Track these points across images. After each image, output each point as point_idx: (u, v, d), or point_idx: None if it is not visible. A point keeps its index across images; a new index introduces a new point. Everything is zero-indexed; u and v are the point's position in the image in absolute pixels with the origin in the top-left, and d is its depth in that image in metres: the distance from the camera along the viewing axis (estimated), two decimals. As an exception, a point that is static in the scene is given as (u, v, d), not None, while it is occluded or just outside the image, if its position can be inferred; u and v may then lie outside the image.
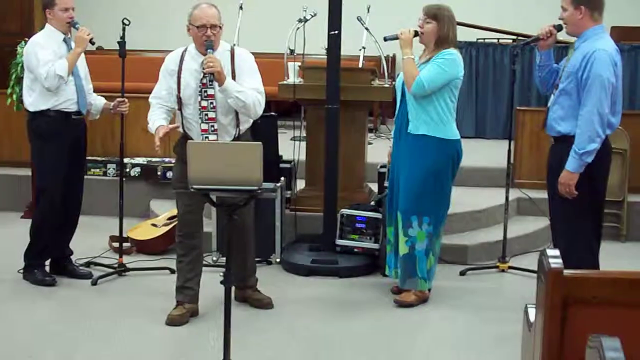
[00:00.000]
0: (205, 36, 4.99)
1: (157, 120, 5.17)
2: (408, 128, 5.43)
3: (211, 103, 5.03)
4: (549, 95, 5.13)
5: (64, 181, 5.82)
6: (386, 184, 6.26)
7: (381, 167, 6.60)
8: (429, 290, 5.64)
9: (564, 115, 4.85)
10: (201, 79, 5.02)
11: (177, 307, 5.19)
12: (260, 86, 5.13)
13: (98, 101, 6.06)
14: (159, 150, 4.99)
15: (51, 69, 5.57)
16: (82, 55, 5.90)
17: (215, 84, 4.96)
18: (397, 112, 5.60)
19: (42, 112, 5.72)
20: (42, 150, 5.82)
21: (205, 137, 5.06)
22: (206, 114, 5.05)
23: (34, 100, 5.74)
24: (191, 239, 5.23)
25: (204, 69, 4.93)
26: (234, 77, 5.06)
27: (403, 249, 5.53)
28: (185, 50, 5.17)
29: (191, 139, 5.07)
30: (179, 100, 5.12)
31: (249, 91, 5.01)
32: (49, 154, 5.77)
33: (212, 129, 5.07)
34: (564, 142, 4.84)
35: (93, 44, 5.82)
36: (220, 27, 5.05)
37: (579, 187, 4.76)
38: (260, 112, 5.12)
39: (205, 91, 5.03)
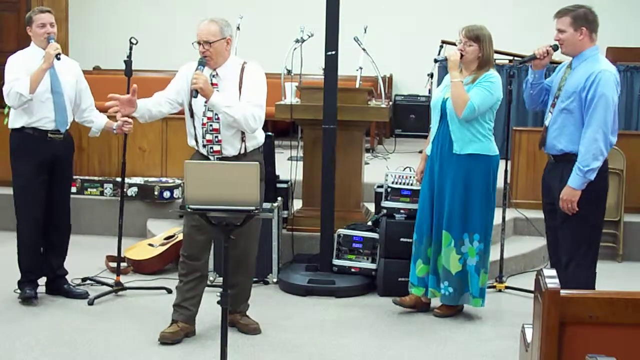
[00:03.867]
0: (200, 52, 5.02)
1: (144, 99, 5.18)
2: (453, 149, 5.47)
3: (216, 114, 5.03)
4: (536, 111, 5.18)
5: (42, 201, 5.76)
6: (384, 204, 6.26)
7: (378, 187, 6.60)
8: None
9: (565, 134, 4.88)
10: None
11: (171, 326, 5.18)
12: (260, 100, 5.09)
13: (99, 119, 6.01)
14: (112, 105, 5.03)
15: (13, 88, 5.51)
16: (79, 71, 5.89)
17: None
18: (435, 132, 5.58)
19: (18, 130, 5.69)
20: (16, 168, 5.78)
21: (210, 148, 5.07)
22: (211, 125, 5.06)
23: (12, 117, 5.72)
24: (195, 261, 5.19)
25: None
26: (240, 91, 5.06)
27: (456, 267, 5.56)
28: None
29: (202, 154, 5.11)
30: (190, 108, 5.12)
31: (241, 106, 4.97)
32: (22, 172, 5.73)
33: (216, 139, 5.07)
34: (565, 160, 4.87)
35: (59, 59, 5.61)
36: (213, 43, 5.00)
37: (585, 206, 4.80)
38: (255, 126, 5.06)
39: None
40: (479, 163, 5.51)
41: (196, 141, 5.16)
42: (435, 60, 5.58)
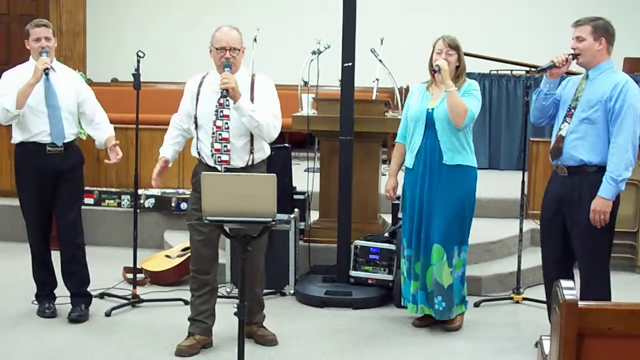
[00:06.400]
0: (224, 58, 5.03)
1: (166, 147, 5.34)
2: (443, 159, 5.44)
3: (226, 123, 5.04)
4: (542, 124, 5.19)
5: (47, 216, 5.75)
6: (401, 215, 6.25)
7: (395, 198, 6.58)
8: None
9: (586, 144, 4.85)
10: (218, 99, 5.03)
11: (188, 338, 5.18)
12: (278, 112, 5.14)
13: (102, 133, 5.85)
14: (154, 184, 5.32)
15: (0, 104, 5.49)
16: (80, 82, 5.82)
17: (232, 103, 4.97)
18: (420, 144, 5.51)
19: (19, 145, 5.65)
20: (19, 182, 5.75)
21: (218, 157, 5.06)
22: (220, 134, 5.06)
23: (13, 133, 5.69)
24: (204, 275, 5.19)
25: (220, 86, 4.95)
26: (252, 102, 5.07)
27: (448, 280, 5.52)
28: (206, 74, 5.22)
29: (206, 165, 5.10)
30: (195, 121, 5.14)
31: (264, 112, 5.02)
32: (24, 187, 5.70)
33: (225, 149, 5.06)
34: (581, 172, 4.85)
35: (47, 74, 5.52)
36: (240, 51, 5.08)
37: None
38: (274, 135, 5.10)
39: (221, 111, 5.04)
40: (466, 174, 5.50)
41: (200, 151, 5.16)
42: (434, 70, 5.46)
